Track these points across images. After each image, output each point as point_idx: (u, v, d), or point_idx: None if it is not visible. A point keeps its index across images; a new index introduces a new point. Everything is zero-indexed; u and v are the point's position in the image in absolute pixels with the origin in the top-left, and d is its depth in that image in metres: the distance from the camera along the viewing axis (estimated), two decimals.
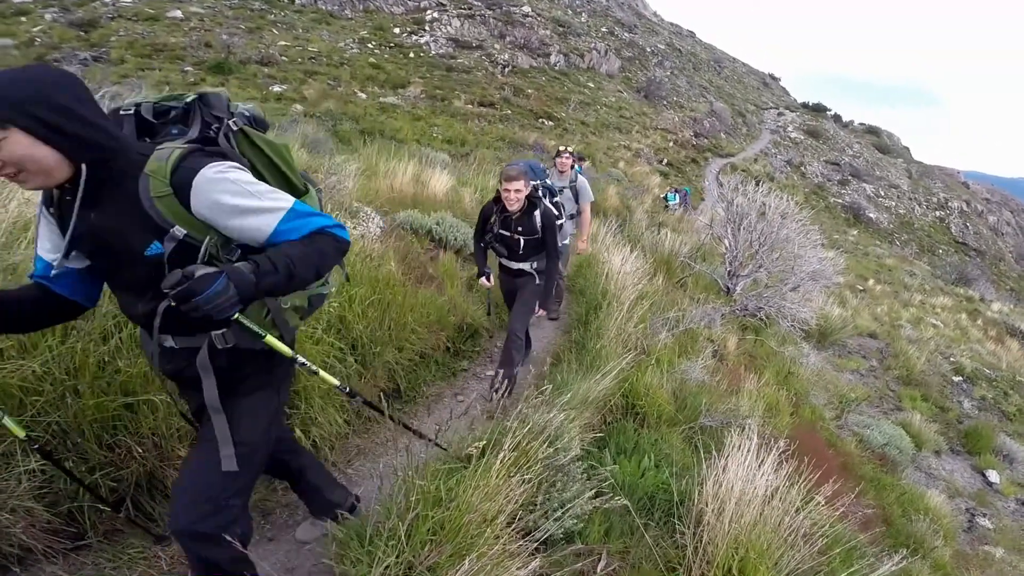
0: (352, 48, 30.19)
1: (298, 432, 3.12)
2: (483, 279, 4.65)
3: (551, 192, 5.16)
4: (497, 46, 36.85)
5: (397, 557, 2.14)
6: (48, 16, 23.46)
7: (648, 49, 55.72)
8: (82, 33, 22.71)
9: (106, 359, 2.42)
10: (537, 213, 4.40)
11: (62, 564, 2.32)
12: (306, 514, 2.96)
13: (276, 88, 21.15)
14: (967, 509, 8.65)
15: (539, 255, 4.58)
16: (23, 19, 22.78)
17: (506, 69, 34.94)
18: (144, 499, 2.59)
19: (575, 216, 6.65)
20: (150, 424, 2.54)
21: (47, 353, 2.30)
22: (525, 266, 4.59)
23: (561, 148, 6.66)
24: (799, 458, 3.64)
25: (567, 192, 6.45)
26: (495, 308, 5.47)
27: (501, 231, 4.49)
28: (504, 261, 4.69)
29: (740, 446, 3.24)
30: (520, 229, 4.45)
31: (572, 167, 6.59)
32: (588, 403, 3.88)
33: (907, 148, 75.23)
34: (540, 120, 29.80)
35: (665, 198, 21.03)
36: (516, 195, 4.20)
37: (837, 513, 3.60)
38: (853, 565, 3.31)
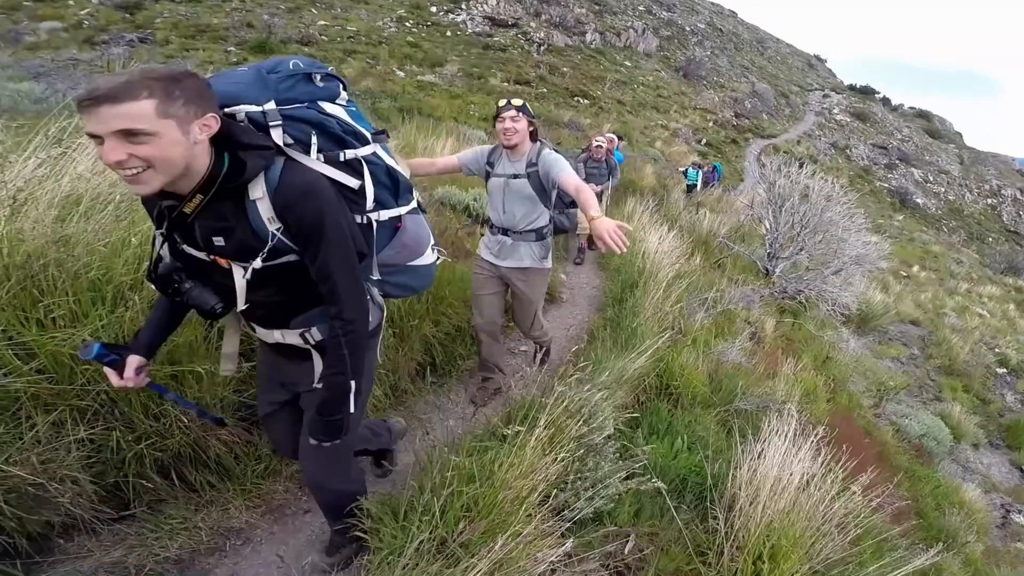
0: (390, 27, 30.16)
1: None
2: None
3: (325, 129, 1.70)
4: (533, 24, 36.42)
5: (431, 533, 2.16)
6: None
7: (687, 28, 54.39)
8: (128, 15, 23.17)
9: None
10: (259, 186, 1.57)
11: (106, 534, 2.38)
12: None
13: None
14: (1002, 505, 8.44)
15: (310, 308, 1.84)
16: (71, 2, 23.29)
17: (542, 48, 34.52)
18: (187, 469, 2.65)
19: (549, 233, 3.67)
20: (195, 394, 2.60)
21: (97, 322, 2.36)
22: (292, 336, 1.88)
23: (502, 103, 3.45)
24: (835, 446, 3.58)
25: (520, 184, 3.43)
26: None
27: (185, 248, 1.72)
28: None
29: (777, 431, 3.19)
30: (220, 240, 1.64)
31: (536, 140, 3.48)
32: (622, 382, 3.86)
33: (959, 134, 72.35)
34: (576, 98, 29.44)
35: (684, 174, 16.76)
36: (111, 152, 1.33)
37: (871, 504, 3.54)
38: (884, 557, 3.25)
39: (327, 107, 1.75)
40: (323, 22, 27.61)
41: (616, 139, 10.17)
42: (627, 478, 2.82)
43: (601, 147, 8.18)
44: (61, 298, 2.33)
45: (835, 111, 57.34)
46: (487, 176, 3.61)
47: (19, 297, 2.30)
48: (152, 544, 2.38)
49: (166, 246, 1.72)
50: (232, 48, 21.26)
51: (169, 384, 2.52)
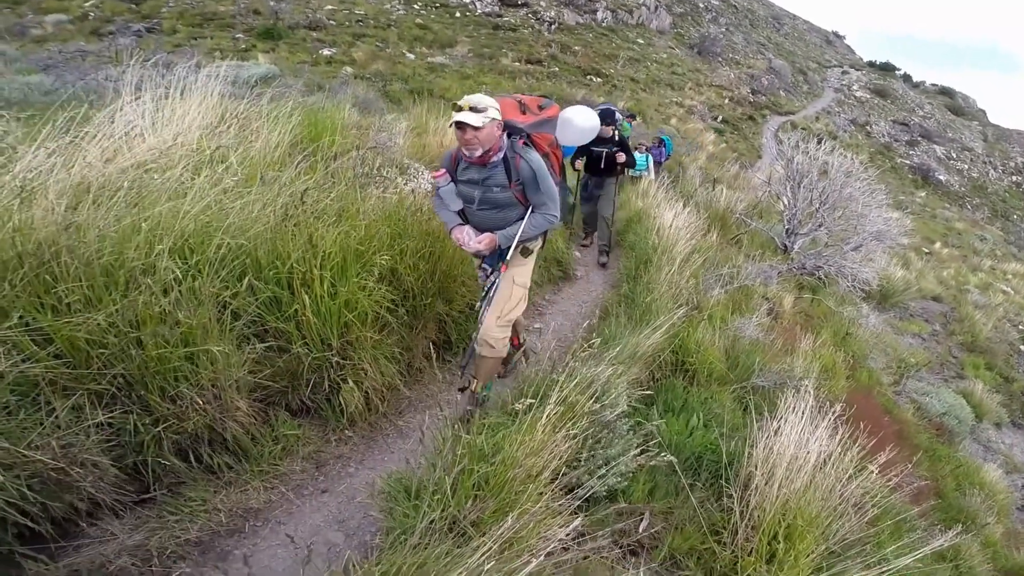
0: (398, 9, 29.92)
1: (351, 383, 3.18)
2: None
3: None
4: (543, 3, 35.87)
5: (442, 512, 2.17)
6: None
7: (701, 5, 53.27)
8: (133, 5, 23.19)
9: (167, 311, 2.50)
10: None
11: (128, 517, 2.41)
12: (359, 465, 3.05)
13: (326, 52, 21.18)
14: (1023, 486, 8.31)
15: None
16: None
17: (552, 26, 34.06)
18: (205, 451, 2.68)
19: None
20: (209, 375, 2.62)
21: (111, 306, 2.38)
22: None
23: None
24: (854, 424, 3.53)
25: None
26: None
27: None
28: None
29: (794, 408, 3.15)
30: None
31: None
32: (636, 358, 3.83)
33: (983, 111, 70.44)
34: (588, 77, 29.05)
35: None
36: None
37: (889, 483, 3.49)
38: (902, 538, 3.22)
39: None
40: (330, 6, 27.43)
41: (624, 116, 7.94)
42: (640, 453, 2.80)
43: (474, 138, 3.06)
44: (75, 284, 2.35)
45: (854, 88, 56.08)
46: None
47: (33, 284, 2.33)
48: (173, 527, 2.42)
49: None
50: (240, 35, 21.24)
51: (184, 366, 2.54)
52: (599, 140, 6.71)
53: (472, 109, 3.01)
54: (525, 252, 3.44)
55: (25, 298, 2.29)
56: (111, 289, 2.44)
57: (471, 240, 3.25)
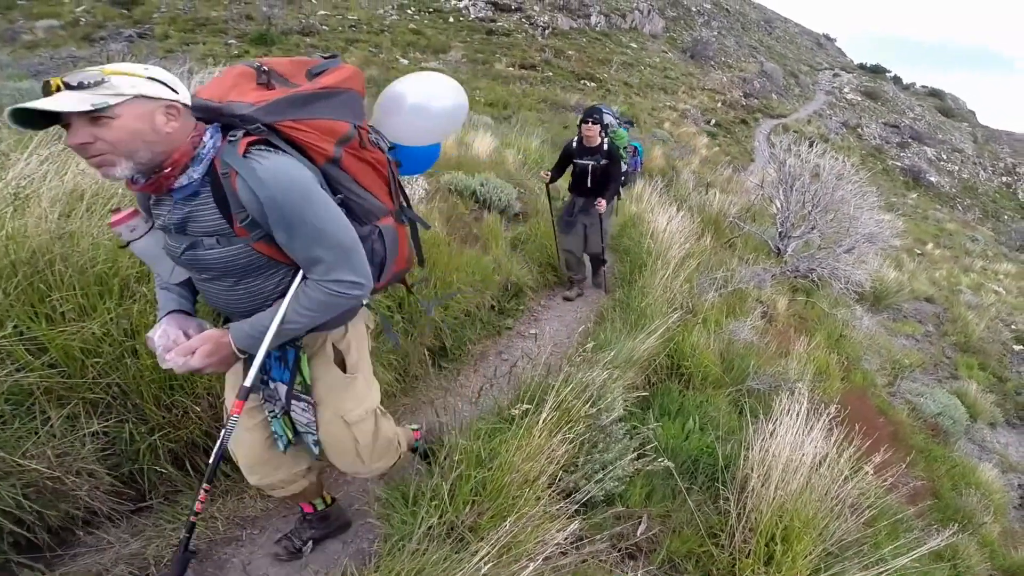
0: (391, 15, 30.04)
1: None
2: None
3: None
4: (536, 8, 36.06)
5: (440, 517, 2.17)
6: None
7: (693, 9, 53.65)
8: (125, 11, 23.25)
9: None
10: None
11: (125, 526, 2.40)
12: None
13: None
14: (1020, 485, 8.36)
15: None
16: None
17: (546, 31, 34.24)
18: (201, 459, 2.66)
19: None
20: (204, 384, 2.62)
21: (105, 315, 2.38)
22: None
23: None
24: (849, 425, 3.54)
25: None
26: None
27: None
28: None
29: (789, 410, 3.16)
30: None
31: None
32: (632, 362, 3.84)
33: (972, 112, 71.29)
34: (582, 81, 29.18)
35: None
36: None
37: (885, 484, 3.51)
38: (899, 538, 3.23)
39: None
40: (323, 12, 27.55)
41: (621, 122, 6.59)
42: (637, 458, 2.81)
43: (90, 142, 1.34)
44: (68, 293, 2.35)
45: (845, 90, 56.51)
46: None
47: (27, 293, 2.32)
48: (170, 535, 2.40)
49: None
50: (232, 41, 21.26)
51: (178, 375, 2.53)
52: (583, 150, 5.34)
53: (71, 85, 1.30)
54: (340, 361, 1.96)
55: (19, 307, 2.28)
56: (105, 298, 2.43)
57: (169, 350, 1.64)
